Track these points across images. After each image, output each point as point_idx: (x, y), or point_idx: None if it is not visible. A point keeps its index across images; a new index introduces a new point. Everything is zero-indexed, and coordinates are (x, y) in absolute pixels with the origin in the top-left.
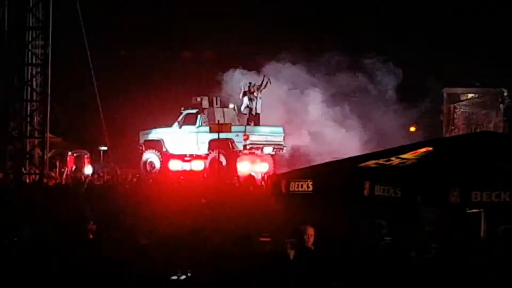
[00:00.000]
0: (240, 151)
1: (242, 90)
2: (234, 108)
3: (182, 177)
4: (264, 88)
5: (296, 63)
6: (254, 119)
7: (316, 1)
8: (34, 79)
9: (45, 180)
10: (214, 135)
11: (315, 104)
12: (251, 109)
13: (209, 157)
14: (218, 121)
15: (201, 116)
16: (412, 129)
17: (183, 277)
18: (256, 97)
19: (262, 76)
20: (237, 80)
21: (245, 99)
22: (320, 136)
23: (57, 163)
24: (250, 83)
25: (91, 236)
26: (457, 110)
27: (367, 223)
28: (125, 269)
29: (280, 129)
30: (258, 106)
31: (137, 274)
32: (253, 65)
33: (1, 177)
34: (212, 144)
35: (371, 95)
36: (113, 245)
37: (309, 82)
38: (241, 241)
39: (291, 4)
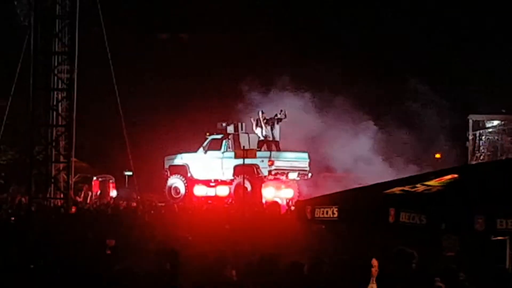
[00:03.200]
0: (265, 176)
1: (255, 121)
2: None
3: (210, 201)
4: (280, 120)
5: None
6: (272, 145)
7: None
8: (59, 103)
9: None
10: (239, 161)
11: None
12: (266, 136)
13: (234, 183)
14: (244, 146)
15: (226, 142)
16: (438, 156)
17: None
18: (271, 126)
19: (280, 110)
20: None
21: (258, 128)
22: (367, 167)
23: (83, 188)
24: (262, 111)
25: (108, 252)
26: (482, 137)
27: (398, 251)
28: None
29: (305, 155)
30: (276, 133)
31: None
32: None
33: (26, 202)
34: (237, 170)
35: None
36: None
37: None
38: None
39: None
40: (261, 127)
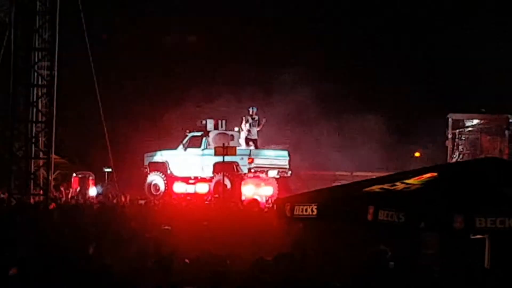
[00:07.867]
0: (244, 174)
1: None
2: (239, 132)
3: (188, 198)
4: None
5: None
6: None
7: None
8: (39, 100)
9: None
10: (219, 158)
11: None
12: (249, 132)
13: (214, 180)
14: (223, 144)
15: (206, 139)
16: (417, 154)
17: None
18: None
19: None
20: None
21: (246, 125)
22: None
23: (62, 184)
24: (254, 108)
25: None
26: (462, 136)
27: (372, 249)
28: None
29: (285, 153)
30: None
31: None
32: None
33: (5, 198)
34: (216, 167)
35: None
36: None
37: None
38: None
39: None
40: (254, 125)
